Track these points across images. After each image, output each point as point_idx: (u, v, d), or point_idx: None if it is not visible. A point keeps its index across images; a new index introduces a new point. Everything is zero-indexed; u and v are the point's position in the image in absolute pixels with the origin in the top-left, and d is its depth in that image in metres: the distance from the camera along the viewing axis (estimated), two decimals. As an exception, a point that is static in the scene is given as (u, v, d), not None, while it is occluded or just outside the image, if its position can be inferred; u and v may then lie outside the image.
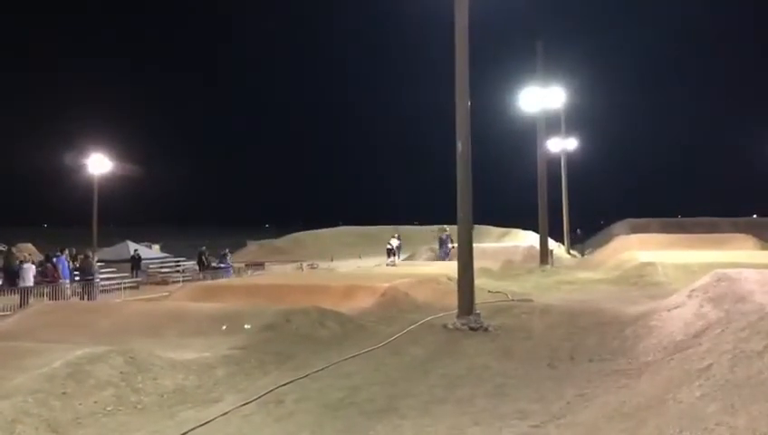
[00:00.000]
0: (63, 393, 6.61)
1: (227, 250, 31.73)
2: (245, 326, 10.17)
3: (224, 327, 10.29)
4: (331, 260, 36.84)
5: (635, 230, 35.04)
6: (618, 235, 35.00)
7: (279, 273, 27.48)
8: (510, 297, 15.20)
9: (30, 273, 18.05)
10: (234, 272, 29.03)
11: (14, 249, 22.65)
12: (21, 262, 18.59)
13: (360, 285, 15.56)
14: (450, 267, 15.14)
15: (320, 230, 54.16)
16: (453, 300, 12.61)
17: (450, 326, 11.39)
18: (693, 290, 10.18)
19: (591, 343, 9.79)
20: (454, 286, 13.42)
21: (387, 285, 15.00)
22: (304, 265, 32.30)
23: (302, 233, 52.34)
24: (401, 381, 8.03)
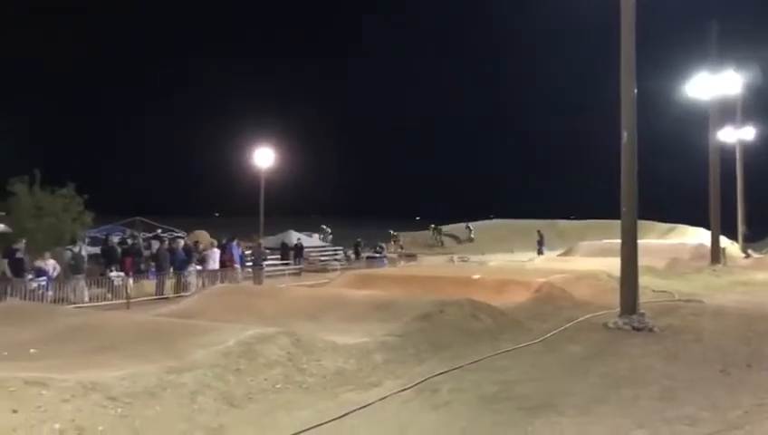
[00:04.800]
0: (237, 369, 7.11)
1: (383, 243, 32.77)
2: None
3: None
4: (483, 254, 36.60)
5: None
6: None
7: (431, 265, 27.74)
8: (677, 297, 14.30)
9: (215, 257, 19.69)
10: (387, 262, 29.75)
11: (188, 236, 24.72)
12: (204, 249, 20.30)
13: (514, 279, 15.35)
14: (611, 264, 14.48)
15: (471, 223, 53.84)
16: (613, 298, 12.10)
17: (611, 325, 10.95)
18: None
19: (772, 349, 8.98)
20: (614, 284, 12.88)
21: (542, 280, 14.66)
22: (455, 257, 32.36)
23: (453, 226, 52.31)
24: (559, 378, 7.83)
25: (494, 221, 57.08)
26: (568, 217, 54.43)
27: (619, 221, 12.23)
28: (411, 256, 33.69)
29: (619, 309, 11.46)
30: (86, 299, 15.71)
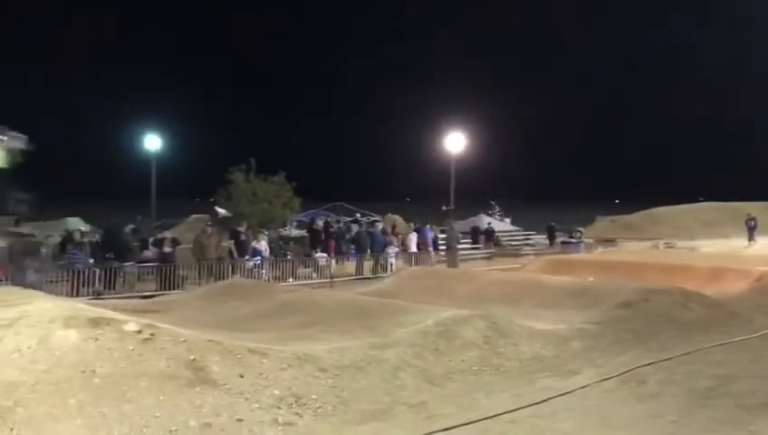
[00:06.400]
0: (436, 349, 7.28)
1: (580, 229, 31.57)
2: None
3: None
4: (692, 239, 33.75)
5: None
6: None
7: (632, 250, 26.19)
8: None
9: (414, 240, 20.36)
10: (584, 248, 28.60)
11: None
12: (398, 232, 21.09)
13: (730, 267, 14.09)
14: None
15: (676, 206, 49.86)
16: None
17: None
18: None
19: None
20: None
21: (764, 268, 13.27)
22: (661, 243, 30.21)
23: (656, 209, 48.72)
24: (786, 376, 7.06)
25: (703, 204, 52.39)
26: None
27: None
28: (610, 242, 32.03)
29: None
30: (264, 277, 17.00)
